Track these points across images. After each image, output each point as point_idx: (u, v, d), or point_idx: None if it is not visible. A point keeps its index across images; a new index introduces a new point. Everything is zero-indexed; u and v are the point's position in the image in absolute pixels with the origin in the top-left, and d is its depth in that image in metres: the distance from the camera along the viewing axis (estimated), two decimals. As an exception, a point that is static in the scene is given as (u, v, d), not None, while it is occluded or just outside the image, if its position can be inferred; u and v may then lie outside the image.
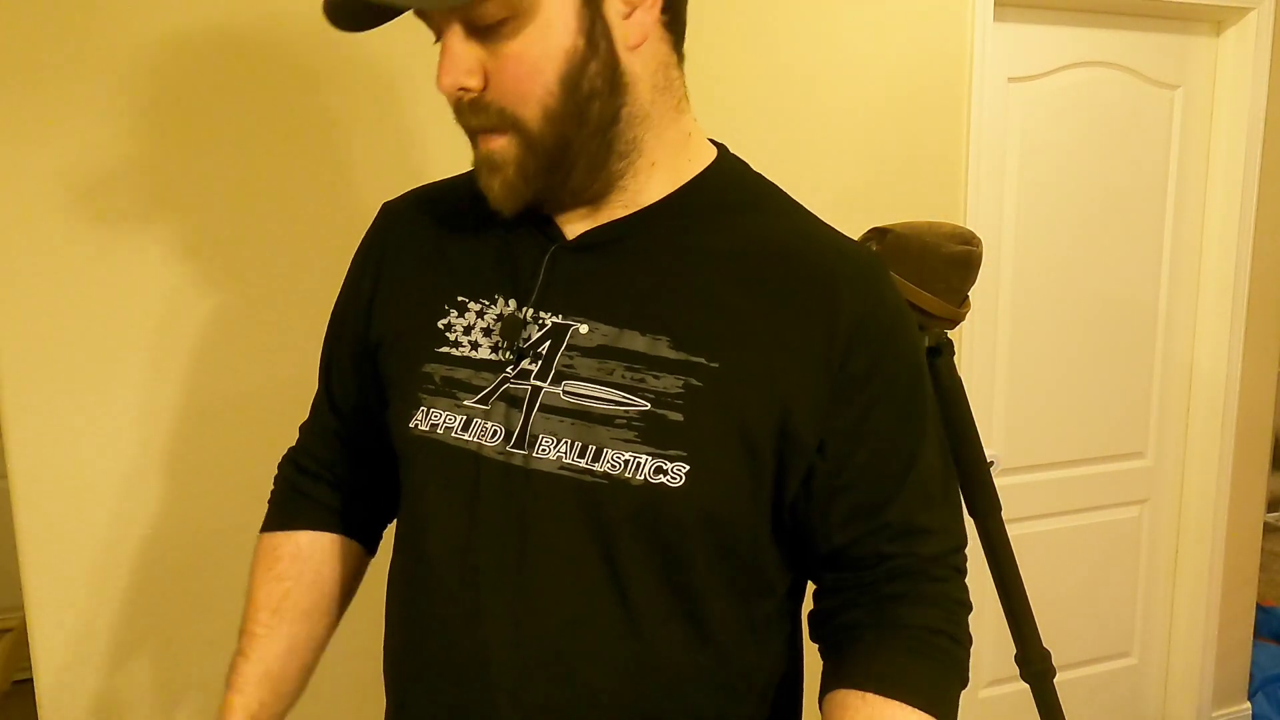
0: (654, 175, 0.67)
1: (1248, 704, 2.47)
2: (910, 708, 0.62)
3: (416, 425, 0.68)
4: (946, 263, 1.21)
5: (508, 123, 0.61)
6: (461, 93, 0.61)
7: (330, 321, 0.82)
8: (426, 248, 0.73)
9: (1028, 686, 1.52)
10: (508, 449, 0.64)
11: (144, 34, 1.32)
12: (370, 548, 0.87)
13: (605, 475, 0.61)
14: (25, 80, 1.28)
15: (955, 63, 1.86)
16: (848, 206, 1.82)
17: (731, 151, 0.74)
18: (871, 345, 0.64)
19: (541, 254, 0.67)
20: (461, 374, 0.67)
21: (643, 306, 0.64)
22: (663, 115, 0.66)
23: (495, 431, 0.65)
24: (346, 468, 0.83)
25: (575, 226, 0.67)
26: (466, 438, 0.66)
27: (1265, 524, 2.43)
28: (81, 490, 1.35)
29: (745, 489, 0.64)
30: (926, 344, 1.30)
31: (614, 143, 0.64)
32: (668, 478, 0.61)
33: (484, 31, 0.59)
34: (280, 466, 0.87)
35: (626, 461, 0.61)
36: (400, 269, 0.74)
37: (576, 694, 0.64)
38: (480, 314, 0.68)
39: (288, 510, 0.84)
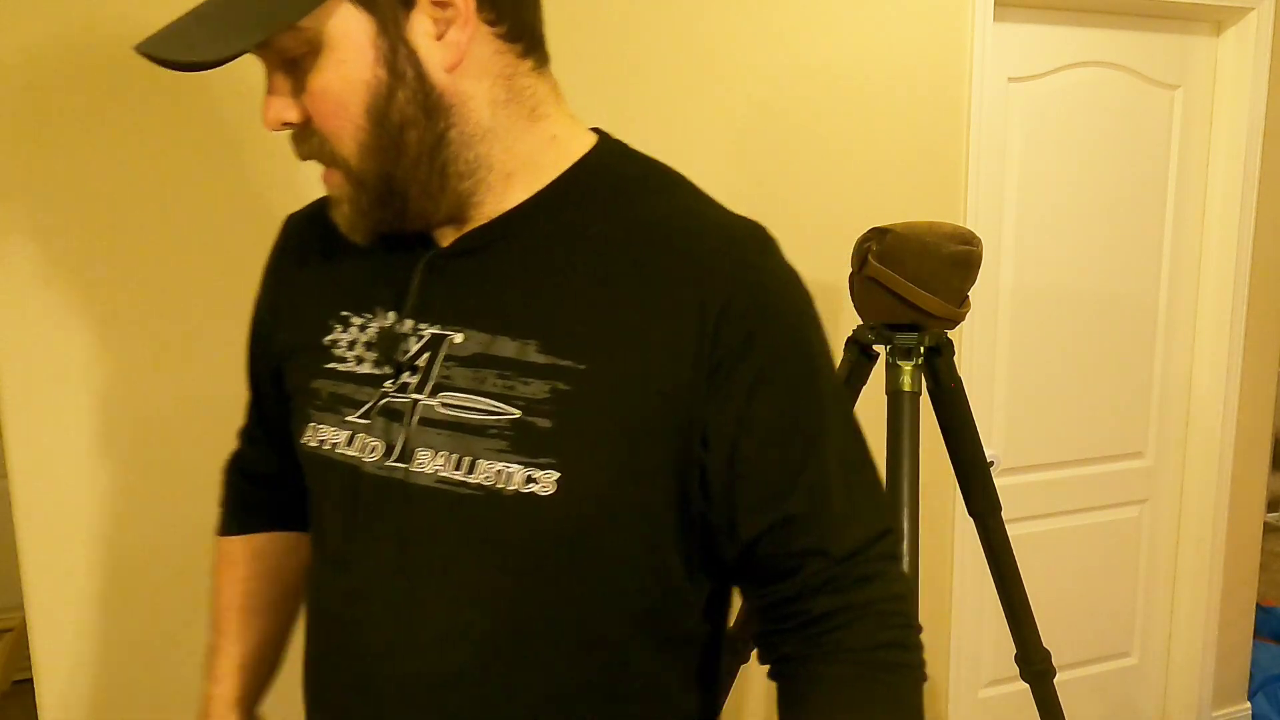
0: (512, 186, 0.64)
1: (1248, 704, 2.47)
2: None
3: (307, 441, 0.69)
4: (946, 263, 1.21)
5: (330, 158, 0.61)
6: (284, 127, 0.60)
7: (250, 331, 0.82)
8: (318, 261, 0.72)
9: (1028, 686, 1.52)
10: (387, 463, 0.63)
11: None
12: None
13: (480, 487, 0.60)
14: (24, 82, 1.29)
15: (955, 63, 1.86)
16: (848, 206, 1.82)
17: (614, 139, 0.69)
18: (747, 320, 0.60)
19: (413, 261, 0.66)
20: (346, 389, 0.66)
21: (514, 311, 0.62)
22: (510, 128, 0.62)
23: (375, 446, 0.64)
24: (284, 468, 0.84)
25: (448, 235, 0.66)
26: (350, 453, 0.65)
27: (1265, 524, 2.43)
28: (81, 490, 1.35)
29: (628, 494, 0.61)
30: (926, 344, 1.30)
31: (449, 165, 0.61)
32: (539, 487, 0.59)
33: (293, 65, 0.58)
34: (225, 471, 0.90)
35: (499, 472, 0.60)
36: (295, 282, 0.74)
37: (459, 708, 0.62)
38: (363, 328, 0.67)
39: (239, 514, 0.87)
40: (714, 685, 0.74)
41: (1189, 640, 2.38)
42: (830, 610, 0.63)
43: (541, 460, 0.59)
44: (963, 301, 1.27)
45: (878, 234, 1.27)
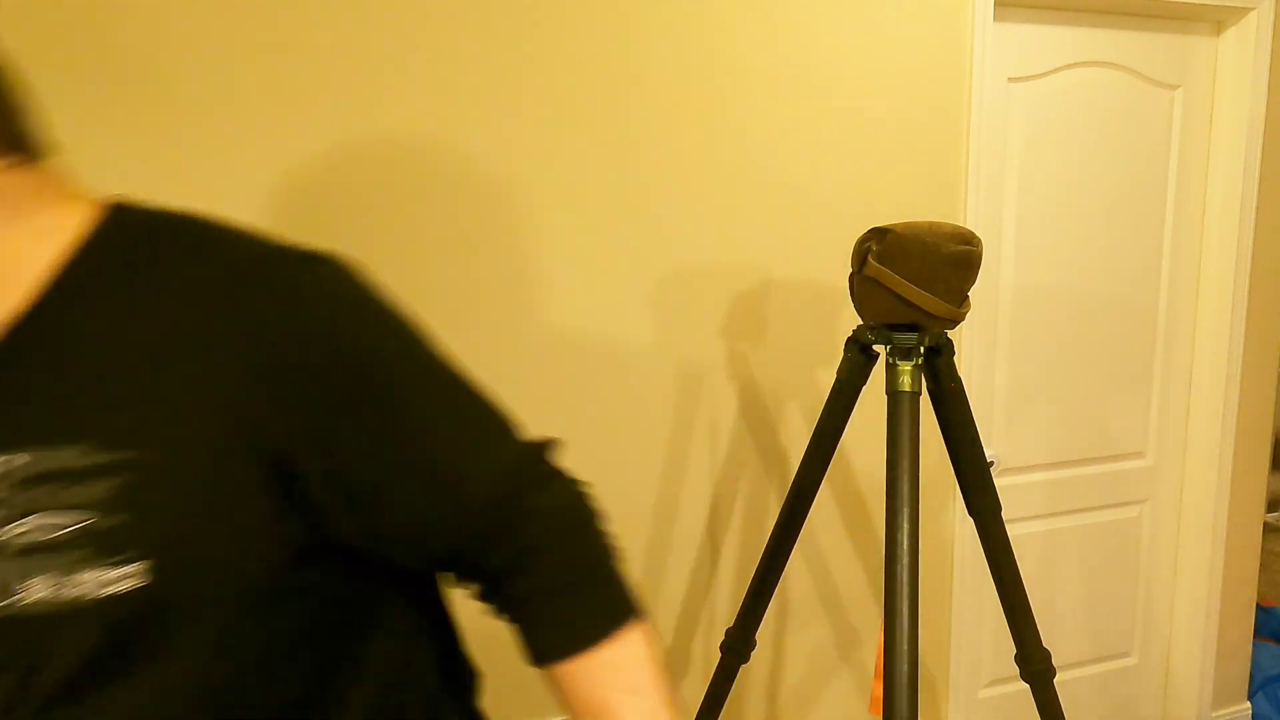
0: (3, 291, 0.59)
1: (1248, 704, 2.47)
2: (610, 644, 0.67)
3: None
4: (946, 263, 1.21)
5: None
6: None
7: None
8: None
9: (1028, 686, 1.52)
10: None
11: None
12: None
13: (77, 600, 0.56)
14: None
15: (955, 63, 1.86)
16: (848, 206, 1.82)
17: (131, 207, 0.64)
18: (304, 355, 0.59)
19: None
20: None
21: (62, 411, 0.57)
22: None
23: None
24: None
25: None
26: None
27: (1265, 524, 2.43)
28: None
29: (235, 558, 0.59)
30: (926, 344, 1.30)
31: None
32: (127, 583, 0.56)
33: None
34: None
35: (86, 581, 0.56)
36: None
37: None
38: None
39: None
40: (455, 666, 0.75)
41: (1189, 640, 2.38)
42: (516, 567, 0.67)
43: (127, 555, 0.56)
44: (963, 301, 1.27)
45: (878, 234, 1.27)
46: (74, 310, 0.59)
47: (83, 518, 0.56)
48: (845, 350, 1.41)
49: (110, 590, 0.56)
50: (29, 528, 0.57)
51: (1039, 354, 2.13)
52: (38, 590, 0.57)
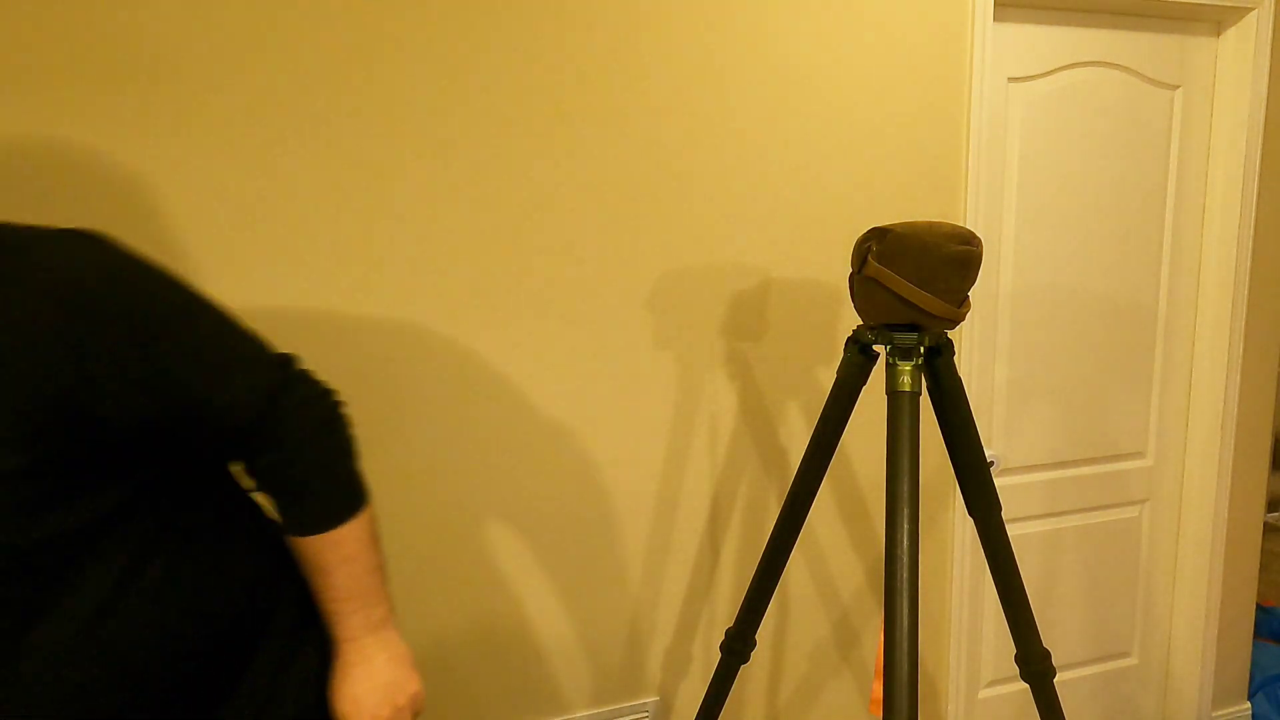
0: None
1: (1248, 704, 2.47)
2: (339, 528, 0.90)
3: None
4: (946, 263, 1.21)
5: None
6: None
7: None
8: None
9: (1028, 686, 1.52)
10: None
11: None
12: None
13: None
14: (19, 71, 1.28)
15: (955, 63, 1.86)
16: (848, 206, 1.82)
17: None
18: (73, 315, 0.71)
19: None
20: None
21: None
22: None
23: None
24: None
25: None
26: None
27: (1265, 524, 2.43)
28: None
29: (40, 448, 0.71)
30: (926, 344, 1.30)
31: None
32: None
33: None
34: None
35: None
36: None
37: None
38: None
39: None
40: (259, 541, 0.93)
41: (1189, 640, 2.38)
42: (269, 454, 0.86)
43: None
44: (963, 301, 1.27)
45: (878, 234, 1.27)
46: None
47: None
48: (845, 350, 1.41)
49: None
50: None
51: (1039, 354, 2.13)
52: None
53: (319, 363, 1.49)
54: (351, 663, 0.95)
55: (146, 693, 0.78)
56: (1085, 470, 2.23)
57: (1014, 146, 2.03)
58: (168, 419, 0.78)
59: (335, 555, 0.92)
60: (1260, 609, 2.77)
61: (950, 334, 1.95)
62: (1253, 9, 2.09)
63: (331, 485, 0.91)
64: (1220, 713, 2.43)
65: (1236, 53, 2.14)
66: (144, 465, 0.80)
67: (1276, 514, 4.00)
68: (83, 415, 0.72)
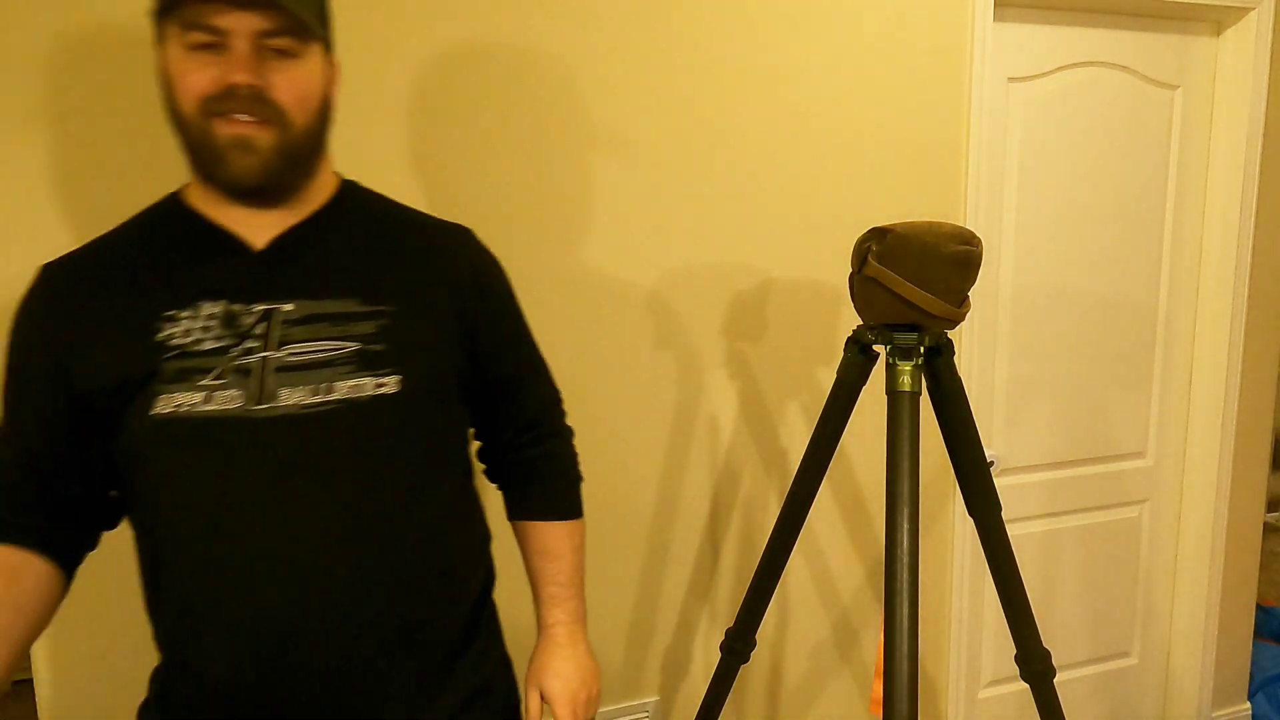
0: (316, 187, 0.93)
1: (1248, 704, 2.47)
2: (567, 522, 1.09)
3: (160, 411, 0.83)
4: (946, 263, 1.21)
5: (276, 120, 0.83)
6: (250, 88, 0.81)
7: (10, 376, 0.89)
8: (115, 291, 0.87)
9: (1028, 686, 1.52)
10: (252, 407, 0.84)
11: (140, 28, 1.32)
12: (68, 571, 0.91)
13: (340, 401, 0.86)
14: (21, 74, 1.28)
15: (955, 63, 1.86)
16: (848, 206, 1.82)
17: (349, 180, 1.00)
18: (479, 276, 0.99)
19: (237, 261, 0.88)
20: (192, 364, 0.84)
21: (332, 280, 0.89)
22: (325, 154, 0.94)
23: (236, 396, 0.84)
24: (60, 488, 0.89)
25: (261, 233, 0.90)
26: (209, 409, 0.83)
27: (1265, 524, 2.43)
28: (81, 490, 1.35)
29: (440, 381, 0.93)
30: (926, 344, 1.30)
31: (314, 158, 0.90)
32: (387, 388, 0.87)
33: (267, 54, 0.82)
34: None
35: (354, 386, 0.86)
36: (94, 314, 0.87)
37: (356, 570, 0.86)
38: (193, 318, 0.86)
39: None
40: (487, 542, 1.07)
41: (1189, 640, 2.38)
42: (543, 454, 1.09)
43: (384, 370, 0.88)
44: (963, 301, 1.27)
45: (878, 234, 1.27)
46: (340, 221, 0.94)
47: (351, 344, 0.87)
48: (845, 350, 1.41)
49: (380, 390, 0.87)
50: (301, 351, 0.86)
51: (1039, 354, 2.13)
52: (297, 397, 0.85)
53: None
54: (561, 644, 1.06)
55: (423, 593, 0.91)
56: (1085, 470, 2.23)
57: (1014, 146, 2.03)
58: (501, 381, 1.02)
59: (570, 543, 1.08)
60: (1260, 609, 2.77)
61: (950, 334, 1.95)
62: (1253, 9, 2.09)
63: (579, 481, 1.12)
64: (1220, 713, 2.43)
65: (1236, 53, 2.14)
66: (471, 412, 1.03)
67: (1276, 514, 4.01)
68: (469, 355, 0.98)
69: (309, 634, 0.84)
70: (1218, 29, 2.17)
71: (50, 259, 1.12)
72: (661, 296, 1.70)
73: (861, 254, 1.29)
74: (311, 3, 0.84)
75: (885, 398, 1.75)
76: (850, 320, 1.86)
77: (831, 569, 1.94)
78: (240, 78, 0.80)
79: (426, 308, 0.92)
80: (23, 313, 0.90)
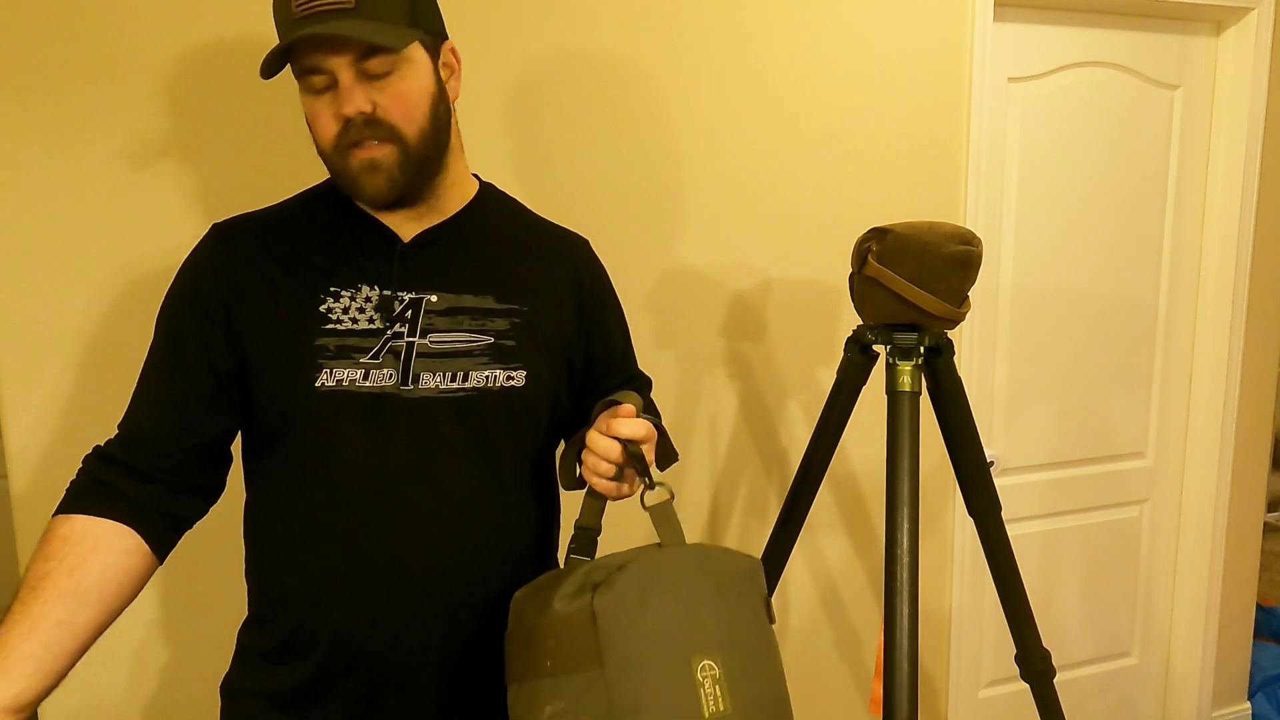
0: (452, 191, 0.99)
1: (1248, 704, 2.47)
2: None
3: (323, 384, 0.90)
4: (946, 263, 1.21)
5: (392, 138, 0.89)
6: (360, 115, 0.87)
7: (170, 321, 0.93)
8: (283, 259, 0.94)
9: (1028, 686, 1.52)
10: (400, 387, 0.92)
11: (151, 40, 1.32)
12: (159, 552, 0.91)
13: (474, 389, 0.94)
14: (31, 85, 1.29)
15: (955, 63, 1.86)
16: (848, 206, 1.82)
17: (487, 183, 1.07)
18: (597, 283, 1.09)
19: (390, 251, 0.95)
20: (352, 341, 0.92)
21: (471, 278, 0.97)
22: (457, 151, 0.99)
23: (389, 375, 0.91)
24: (175, 464, 0.92)
25: (408, 229, 0.97)
26: (368, 384, 0.91)
27: (1265, 524, 2.43)
28: (81, 490, 1.35)
29: (556, 378, 1.01)
30: (926, 344, 1.30)
31: (439, 158, 0.95)
32: (515, 381, 0.96)
33: (367, 76, 0.86)
34: (86, 460, 0.92)
35: (487, 376, 0.95)
36: (260, 279, 0.93)
37: (472, 543, 0.94)
38: (352, 298, 0.93)
39: (78, 496, 0.88)
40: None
41: (1189, 640, 2.38)
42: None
43: (514, 365, 0.96)
44: (963, 301, 1.27)
45: (878, 234, 1.27)
46: (481, 223, 1.02)
47: (487, 338, 0.96)
48: (845, 350, 1.41)
49: (510, 383, 0.96)
50: (442, 340, 0.94)
51: (1039, 354, 2.13)
52: (437, 381, 0.93)
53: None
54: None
55: (519, 578, 0.98)
56: (1085, 470, 2.23)
57: (1014, 146, 2.03)
58: (596, 364, 1.08)
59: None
60: (1260, 609, 2.77)
61: (950, 334, 1.95)
62: (1253, 9, 2.09)
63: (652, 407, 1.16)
64: (1220, 713, 2.43)
65: (1236, 53, 2.14)
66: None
67: (1276, 514, 4.01)
68: (584, 358, 1.06)
69: (434, 601, 0.92)
70: (1218, 29, 2.17)
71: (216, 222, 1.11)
72: (661, 296, 1.70)
73: (861, 254, 1.29)
74: (396, 10, 0.87)
75: (885, 398, 1.75)
76: (850, 320, 1.86)
77: (831, 569, 1.94)
78: (349, 109, 0.86)
79: (554, 310, 1.01)
80: (191, 265, 0.95)
